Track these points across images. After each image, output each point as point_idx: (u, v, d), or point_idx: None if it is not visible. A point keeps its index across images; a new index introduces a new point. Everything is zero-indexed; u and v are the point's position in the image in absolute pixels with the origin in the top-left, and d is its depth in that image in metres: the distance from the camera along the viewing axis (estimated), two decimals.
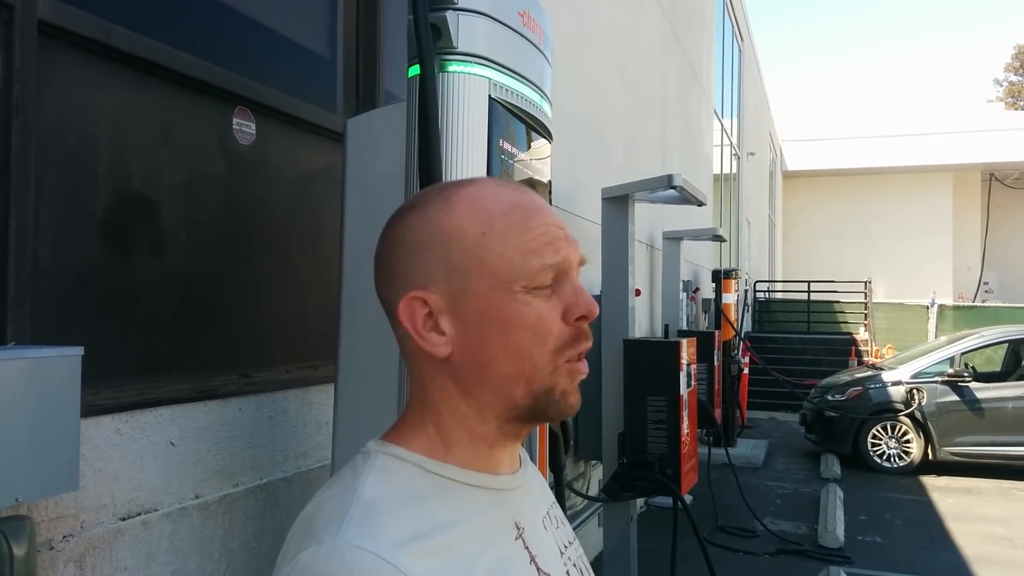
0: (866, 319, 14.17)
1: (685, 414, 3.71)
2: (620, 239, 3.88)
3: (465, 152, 1.31)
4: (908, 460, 7.64)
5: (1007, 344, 8.54)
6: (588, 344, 0.70)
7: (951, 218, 21.15)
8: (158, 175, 1.71)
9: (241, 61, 1.95)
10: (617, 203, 3.92)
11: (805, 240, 22.33)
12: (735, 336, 8.06)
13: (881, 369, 8.59)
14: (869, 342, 13.18)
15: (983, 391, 7.57)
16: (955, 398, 7.60)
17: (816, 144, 20.69)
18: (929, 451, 7.59)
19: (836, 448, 8.02)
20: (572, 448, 3.89)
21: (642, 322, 6.04)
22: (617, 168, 5.37)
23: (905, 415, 7.65)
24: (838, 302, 15.08)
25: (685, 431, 3.71)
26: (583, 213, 4.50)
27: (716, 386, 6.82)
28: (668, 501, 3.95)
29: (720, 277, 8.19)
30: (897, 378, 7.96)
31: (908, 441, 7.66)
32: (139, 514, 1.56)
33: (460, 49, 1.30)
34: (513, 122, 1.44)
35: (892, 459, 7.70)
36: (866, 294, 14.57)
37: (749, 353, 9.86)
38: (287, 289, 2.09)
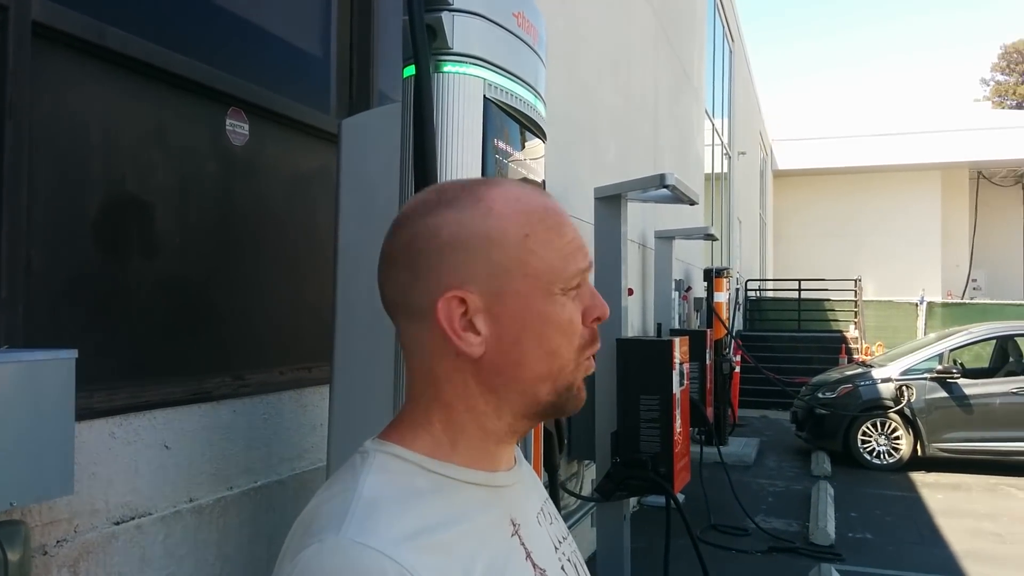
0: (856, 317, 14.25)
1: (678, 413, 3.73)
2: (613, 238, 3.89)
3: (460, 152, 1.31)
4: (898, 457, 7.69)
5: (995, 340, 8.61)
6: (599, 344, 0.74)
7: (940, 216, 21.29)
8: (151, 176, 1.70)
9: (235, 62, 1.94)
10: (610, 202, 3.93)
11: (795, 238, 22.43)
12: (727, 335, 8.10)
13: (871, 366, 8.64)
14: (859, 339, 13.26)
15: (971, 387, 7.63)
16: (944, 394, 7.66)
17: (806, 143, 20.78)
18: (918, 447, 7.64)
19: (827, 445, 8.06)
20: (566, 447, 3.90)
21: (634, 321, 6.05)
22: (609, 167, 5.38)
23: (895, 412, 7.70)
24: (828, 300, 15.17)
25: (678, 430, 3.72)
26: (575, 212, 4.50)
27: (708, 384, 6.85)
28: (661, 500, 3.97)
29: (712, 276, 8.24)
30: (887, 375, 8.01)
31: (898, 438, 7.72)
32: (133, 518, 1.55)
33: (455, 50, 1.30)
34: (508, 122, 1.45)
35: (882, 456, 7.75)
36: (856, 292, 14.66)
37: (740, 351, 9.90)
38: (281, 291, 2.08)
